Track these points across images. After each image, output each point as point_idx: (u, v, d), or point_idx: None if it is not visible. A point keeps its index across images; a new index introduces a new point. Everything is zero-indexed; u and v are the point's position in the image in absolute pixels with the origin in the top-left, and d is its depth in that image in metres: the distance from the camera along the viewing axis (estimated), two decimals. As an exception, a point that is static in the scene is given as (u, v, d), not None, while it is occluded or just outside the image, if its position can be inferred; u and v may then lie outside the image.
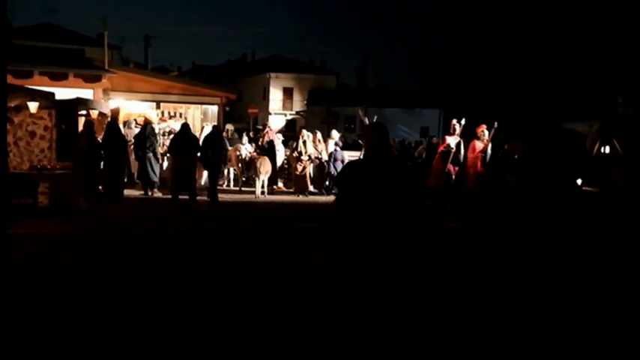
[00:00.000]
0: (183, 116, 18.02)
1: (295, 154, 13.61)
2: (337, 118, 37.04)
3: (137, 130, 13.09)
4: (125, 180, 12.39)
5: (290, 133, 26.60)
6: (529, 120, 22.28)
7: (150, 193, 12.26)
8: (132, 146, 12.80)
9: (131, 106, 16.45)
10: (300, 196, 13.35)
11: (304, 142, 13.47)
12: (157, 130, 13.56)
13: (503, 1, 70.86)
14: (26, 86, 11.06)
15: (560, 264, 4.30)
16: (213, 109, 19.29)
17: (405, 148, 17.38)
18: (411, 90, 44.24)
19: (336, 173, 12.90)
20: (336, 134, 14.64)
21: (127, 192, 12.00)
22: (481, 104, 31.05)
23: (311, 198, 13.26)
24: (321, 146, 14.02)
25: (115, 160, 11.32)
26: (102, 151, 11.16)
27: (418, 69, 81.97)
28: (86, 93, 14.85)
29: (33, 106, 9.74)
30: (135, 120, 14.42)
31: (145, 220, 9.30)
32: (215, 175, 12.23)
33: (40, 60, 15.60)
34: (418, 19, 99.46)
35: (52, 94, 10.28)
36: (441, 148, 11.63)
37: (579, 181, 7.75)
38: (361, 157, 8.19)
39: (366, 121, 11.33)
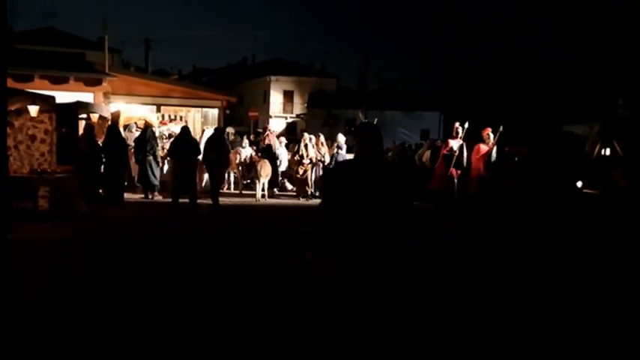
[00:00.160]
0: (183, 119, 18.08)
1: (297, 157, 13.60)
2: (338, 121, 36.99)
3: (137, 134, 13.08)
4: (125, 183, 12.38)
5: (290, 136, 26.54)
6: (529, 121, 22.25)
7: (150, 197, 12.25)
8: (132, 150, 12.80)
9: (131, 110, 16.49)
10: (302, 199, 13.37)
11: (305, 146, 13.46)
12: (157, 134, 13.55)
13: (503, 1, 70.97)
14: (27, 90, 11.05)
15: (559, 263, 4.30)
16: (214, 113, 19.33)
17: (405, 151, 17.34)
18: (411, 91, 44.32)
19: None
20: (342, 138, 14.02)
21: (127, 195, 12.01)
22: (481, 106, 31.03)
23: (312, 201, 13.26)
24: (324, 149, 13.97)
25: (115, 164, 11.31)
26: (102, 155, 11.18)
27: (418, 69, 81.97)
28: (86, 96, 14.92)
29: (33, 110, 9.75)
30: (135, 123, 14.43)
31: (146, 224, 9.30)
32: (219, 178, 12.17)
33: (41, 64, 15.66)
34: (418, 20, 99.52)
35: (53, 98, 10.28)
36: (444, 152, 11.61)
37: (580, 184, 7.74)
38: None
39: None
